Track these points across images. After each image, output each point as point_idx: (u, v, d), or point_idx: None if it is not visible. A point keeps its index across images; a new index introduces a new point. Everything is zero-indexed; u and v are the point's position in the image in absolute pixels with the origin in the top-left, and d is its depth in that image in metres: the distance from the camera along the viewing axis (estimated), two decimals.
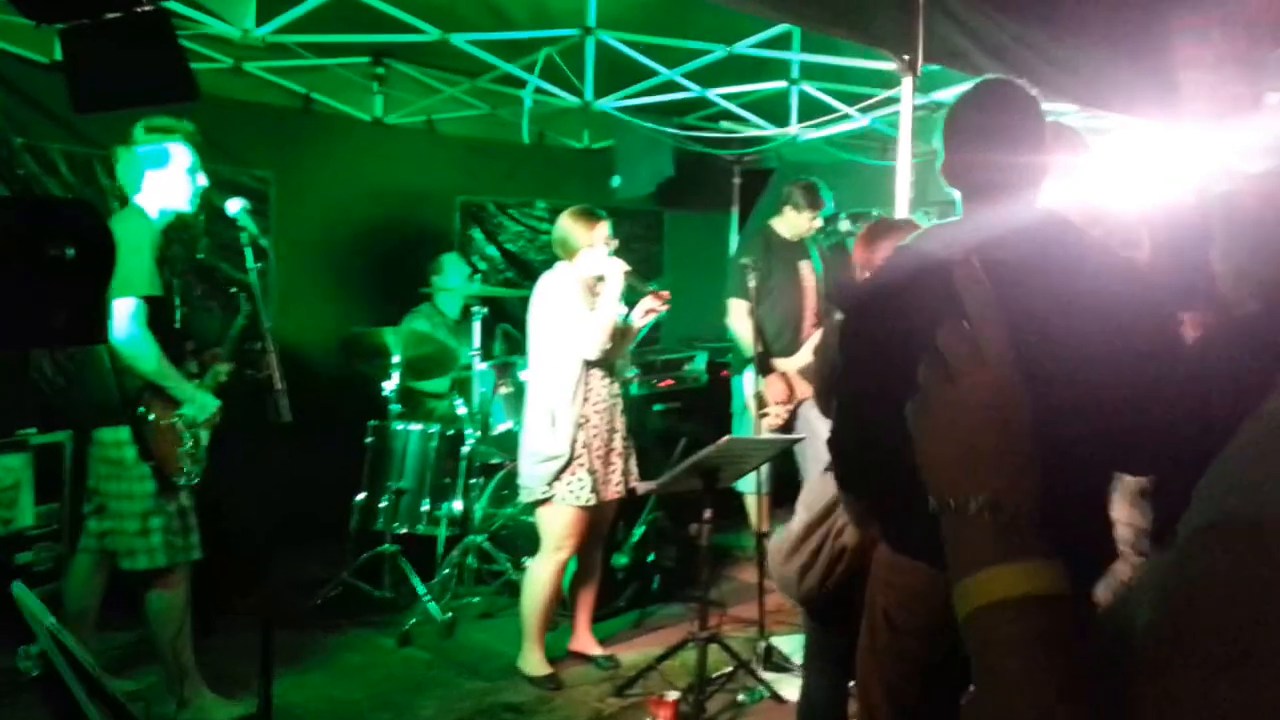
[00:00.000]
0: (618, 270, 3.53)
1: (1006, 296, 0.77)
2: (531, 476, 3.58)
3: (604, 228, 3.59)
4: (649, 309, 3.68)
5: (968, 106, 1.89)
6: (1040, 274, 1.65)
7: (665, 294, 3.68)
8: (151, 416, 3.03)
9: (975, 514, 0.72)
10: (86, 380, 3.10)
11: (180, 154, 3.07)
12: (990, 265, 0.79)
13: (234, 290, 3.54)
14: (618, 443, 3.68)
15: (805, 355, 4.58)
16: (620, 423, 3.70)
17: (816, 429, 4.58)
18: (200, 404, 3.15)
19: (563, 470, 3.51)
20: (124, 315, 2.93)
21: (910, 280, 1.72)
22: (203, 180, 3.13)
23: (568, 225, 3.60)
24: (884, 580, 1.81)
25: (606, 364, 3.65)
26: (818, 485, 2.42)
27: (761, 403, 4.52)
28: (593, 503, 3.54)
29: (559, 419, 3.54)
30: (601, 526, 3.79)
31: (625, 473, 3.71)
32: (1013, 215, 1.79)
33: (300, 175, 5.32)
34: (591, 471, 3.55)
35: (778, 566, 2.38)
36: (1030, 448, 0.75)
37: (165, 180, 3.06)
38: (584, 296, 3.59)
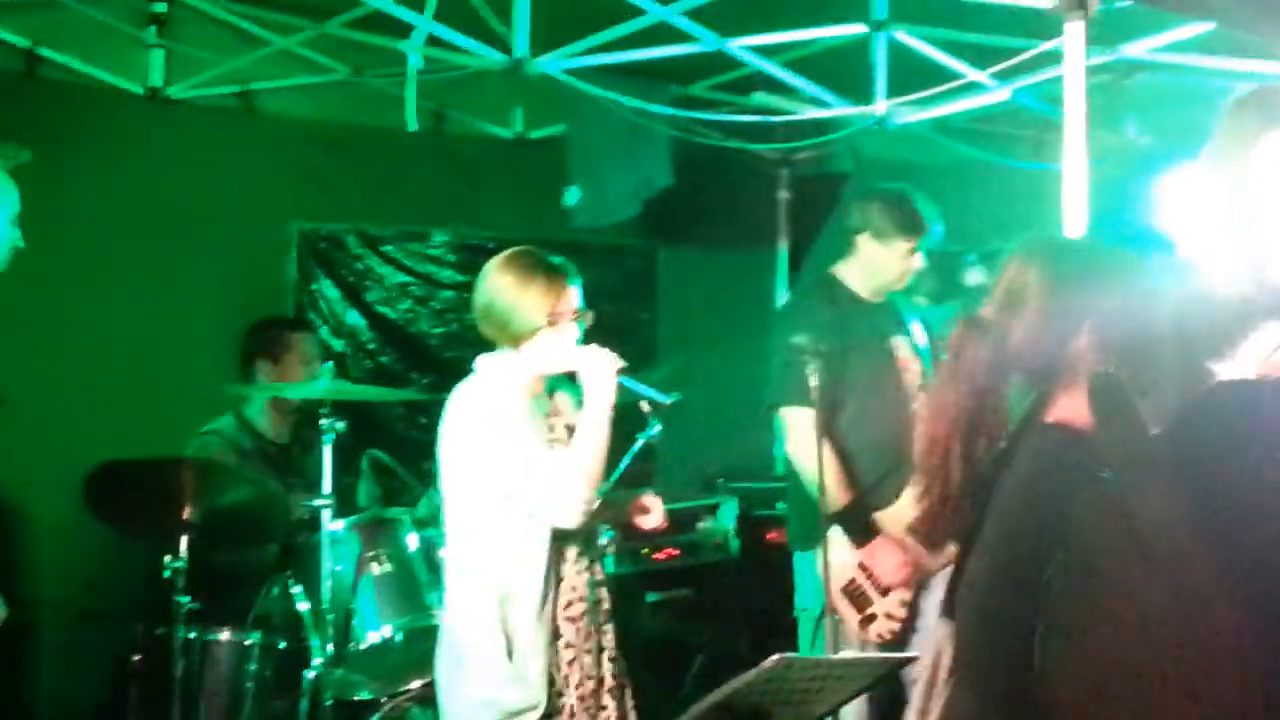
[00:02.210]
0: (607, 368, 3.55)
1: None
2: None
3: (572, 292, 3.64)
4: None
5: None
6: None
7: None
8: None
9: None
10: None
11: None
12: None
13: None
14: (605, 670, 3.66)
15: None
16: (608, 635, 3.70)
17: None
18: None
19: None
20: None
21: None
22: None
23: (510, 287, 3.61)
24: None
25: (581, 533, 3.65)
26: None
27: (861, 597, 4.44)
28: None
29: (521, 642, 3.52)
30: None
31: None
32: None
33: (18, 189, 5.32)
34: None
35: None
36: None
37: None
38: (534, 416, 3.61)
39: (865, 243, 4.68)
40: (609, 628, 3.72)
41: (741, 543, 5.95)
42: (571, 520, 3.51)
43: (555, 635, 3.57)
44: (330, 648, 4.33)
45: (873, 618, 4.48)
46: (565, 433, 3.70)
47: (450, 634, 3.65)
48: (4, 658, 4.74)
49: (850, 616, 4.39)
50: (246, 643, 4.38)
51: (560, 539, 3.60)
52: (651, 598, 5.63)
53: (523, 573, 3.54)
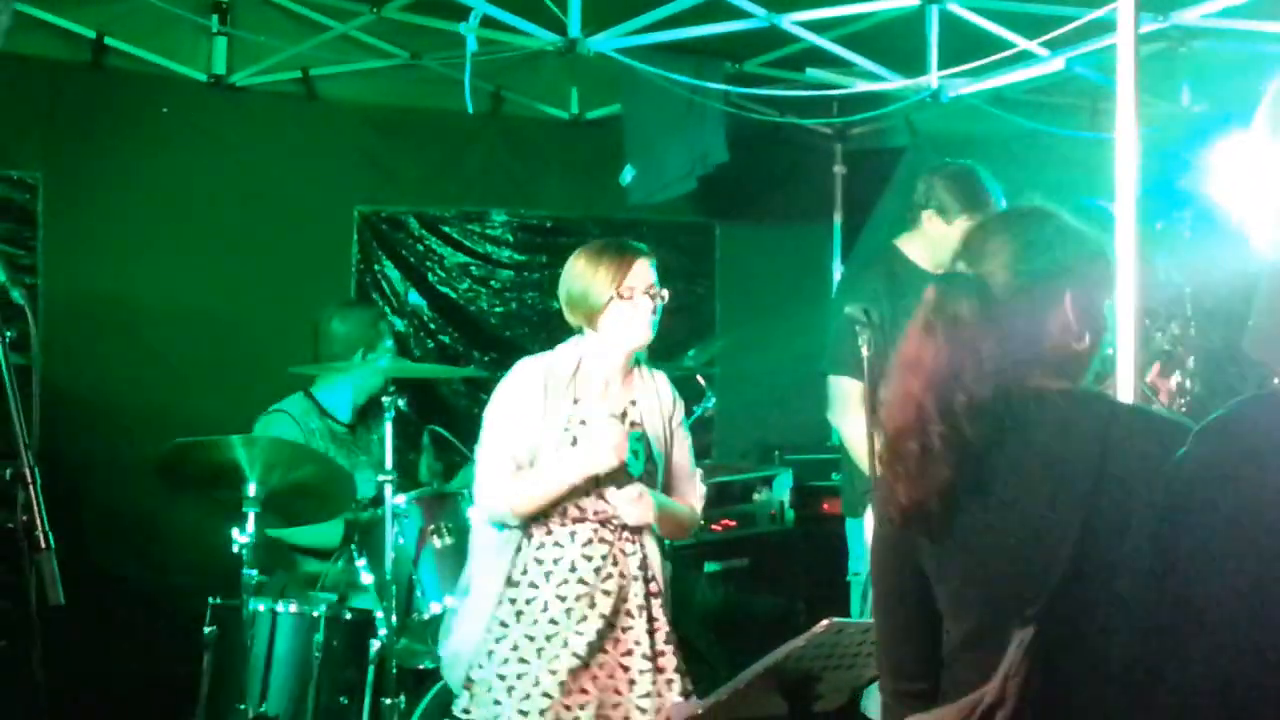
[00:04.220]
0: (606, 451, 3.62)
1: None
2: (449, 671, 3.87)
3: (643, 267, 3.76)
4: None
5: None
6: None
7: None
8: None
9: None
10: None
11: None
12: None
13: None
14: (607, 653, 3.71)
15: None
16: (635, 615, 3.76)
17: None
18: None
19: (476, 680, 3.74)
20: None
21: None
22: None
23: (583, 269, 3.76)
24: None
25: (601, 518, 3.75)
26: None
27: None
28: None
29: (469, 596, 3.81)
30: None
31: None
32: None
33: (87, 176, 5.44)
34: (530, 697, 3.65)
35: None
36: None
37: None
38: (562, 397, 3.73)
39: (929, 218, 4.66)
40: (645, 608, 3.78)
41: (797, 513, 5.98)
42: (480, 513, 3.78)
43: (530, 598, 3.70)
44: (394, 618, 4.40)
45: None
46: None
47: None
48: (82, 633, 4.85)
49: None
50: (314, 614, 4.44)
51: (562, 519, 3.73)
52: (710, 567, 5.67)
53: (482, 537, 3.80)
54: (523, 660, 3.65)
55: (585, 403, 3.74)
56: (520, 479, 3.67)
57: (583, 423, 3.71)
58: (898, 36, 5.48)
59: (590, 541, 3.71)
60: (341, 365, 5.06)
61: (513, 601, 3.69)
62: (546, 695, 3.63)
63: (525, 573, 3.71)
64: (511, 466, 3.68)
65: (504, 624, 3.69)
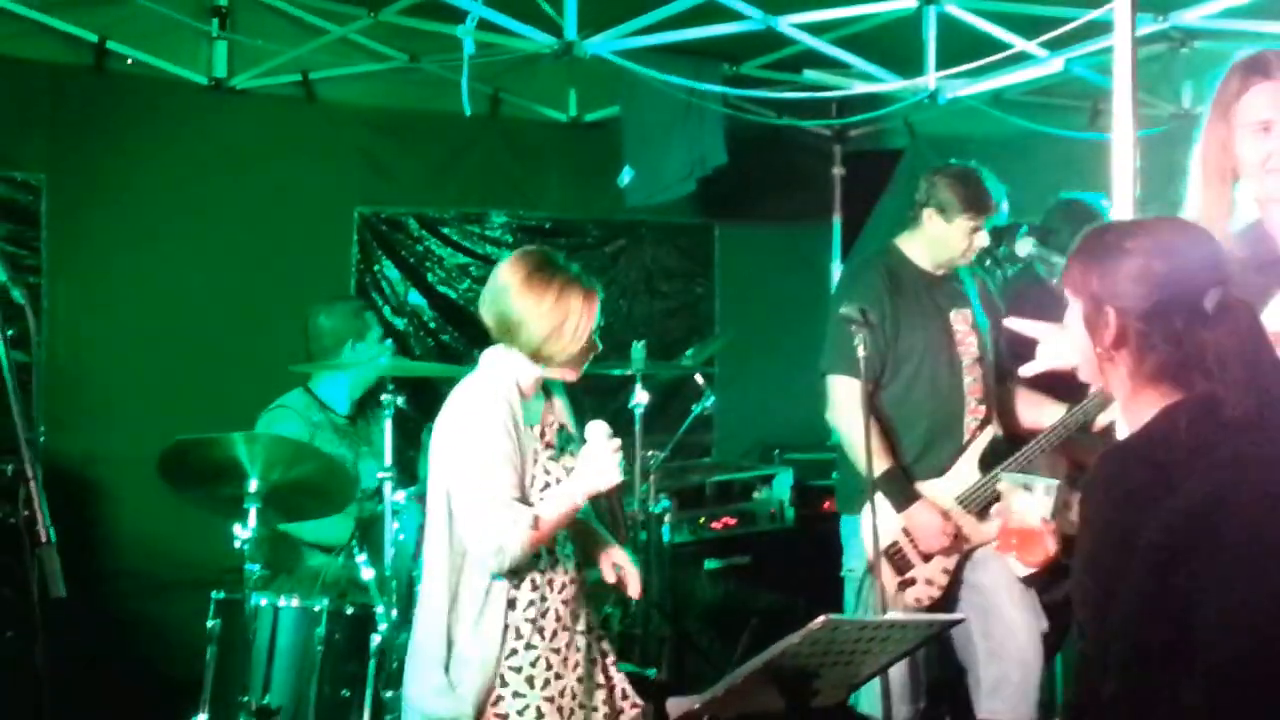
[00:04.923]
0: (607, 475, 3.48)
1: None
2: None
3: (597, 308, 3.58)
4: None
5: None
6: None
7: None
8: None
9: None
10: None
11: None
12: None
13: None
14: (585, 670, 3.65)
15: (969, 472, 4.61)
16: (593, 647, 3.71)
17: (998, 604, 4.57)
18: None
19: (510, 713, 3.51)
20: None
21: None
22: None
23: (547, 315, 3.50)
24: None
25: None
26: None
27: (902, 560, 4.48)
28: None
29: (459, 650, 3.51)
30: None
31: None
32: None
33: (90, 178, 5.47)
34: None
35: None
36: None
37: None
38: (525, 428, 3.53)
39: (930, 218, 4.62)
40: (592, 640, 3.71)
41: (797, 512, 6.02)
42: (495, 557, 3.42)
43: (515, 636, 3.51)
44: (394, 613, 4.43)
45: (912, 581, 4.50)
46: (555, 437, 3.67)
47: (414, 626, 3.66)
48: (86, 626, 4.87)
49: (890, 579, 4.41)
50: (315, 608, 4.47)
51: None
52: (710, 565, 5.70)
53: (469, 580, 3.52)
54: (558, 676, 3.57)
55: (536, 425, 3.59)
56: (537, 520, 3.45)
57: (550, 444, 3.61)
58: (895, 38, 5.51)
59: (570, 540, 3.67)
60: (339, 362, 5.11)
61: (531, 621, 3.54)
62: (583, 706, 3.60)
63: (536, 588, 3.57)
64: (521, 508, 3.44)
65: (531, 645, 3.53)
